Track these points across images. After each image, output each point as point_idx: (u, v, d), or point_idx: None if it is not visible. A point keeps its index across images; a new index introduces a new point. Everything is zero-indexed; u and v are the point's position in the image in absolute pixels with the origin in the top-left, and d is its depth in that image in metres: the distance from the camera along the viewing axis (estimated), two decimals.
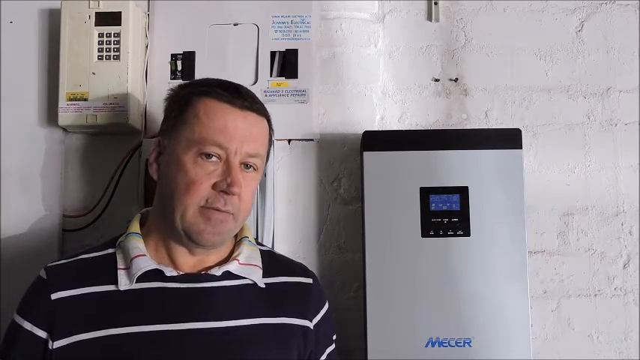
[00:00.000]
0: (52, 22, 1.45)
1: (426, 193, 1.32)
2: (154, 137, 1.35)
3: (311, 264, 1.39)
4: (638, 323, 1.42)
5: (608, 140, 1.48)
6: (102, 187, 1.39)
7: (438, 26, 1.52)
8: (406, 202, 1.32)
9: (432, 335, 1.27)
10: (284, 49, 1.47)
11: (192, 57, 1.47)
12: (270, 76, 1.47)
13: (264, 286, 1.04)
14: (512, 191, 1.32)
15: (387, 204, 1.32)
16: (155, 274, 0.99)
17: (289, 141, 1.47)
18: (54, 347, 0.95)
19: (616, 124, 1.49)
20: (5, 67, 1.45)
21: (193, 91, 1.02)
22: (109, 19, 1.38)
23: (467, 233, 1.31)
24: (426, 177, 1.33)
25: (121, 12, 1.38)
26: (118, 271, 0.99)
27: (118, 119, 1.37)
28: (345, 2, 1.51)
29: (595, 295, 1.43)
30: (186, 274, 1.01)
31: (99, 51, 1.38)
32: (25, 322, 0.97)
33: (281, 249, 1.37)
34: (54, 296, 0.97)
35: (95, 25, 1.38)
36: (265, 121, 1.06)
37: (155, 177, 1.05)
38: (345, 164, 1.46)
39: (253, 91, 1.07)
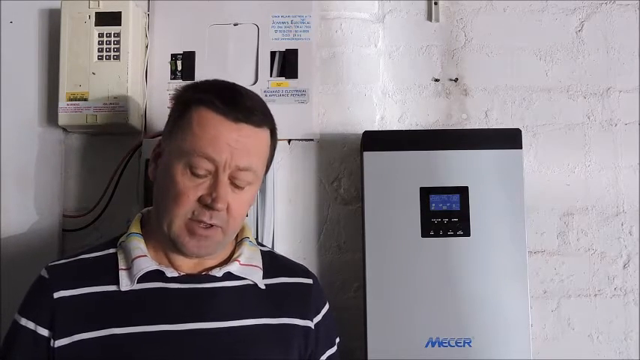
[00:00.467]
0: (52, 22, 1.45)
1: (426, 193, 1.32)
2: (154, 137, 1.36)
3: (311, 264, 1.39)
4: (638, 323, 1.42)
5: (608, 140, 1.48)
6: (102, 187, 1.39)
7: (438, 26, 1.52)
8: (406, 202, 1.32)
9: (432, 335, 1.27)
10: (284, 49, 1.47)
11: (192, 57, 1.47)
12: (270, 76, 1.46)
13: (264, 288, 1.04)
14: (512, 191, 1.32)
15: (387, 204, 1.32)
16: (156, 275, 0.99)
17: (289, 141, 1.46)
18: (56, 346, 0.95)
19: (616, 124, 1.49)
20: (5, 67, 1.45)
21: (193, 97, 1.00)
22: (109, 19, 1.38)
23: (467, 233, 1.31)
24: (425, 177, 1.33)
25: (121, 12, 1.38)
26: (120, 271, 0.99)
27: (118, 119, 1.37)
28: (345, 2, 1.51)
29: (595, 295, 1.43)
30: (187, 275, 1.01)
31: (99, 51, 1.38)
32: (29, 321, 0.97)
33: (281, 249, 1.37)
34: (56, 295, 0.97)
35: (95, 25, 1.38)
36: (265, 131, 1.02)
37: (151, 177, 1.04)
38: (345, 164, 1.46)
39: (253, 92, 1.05)
